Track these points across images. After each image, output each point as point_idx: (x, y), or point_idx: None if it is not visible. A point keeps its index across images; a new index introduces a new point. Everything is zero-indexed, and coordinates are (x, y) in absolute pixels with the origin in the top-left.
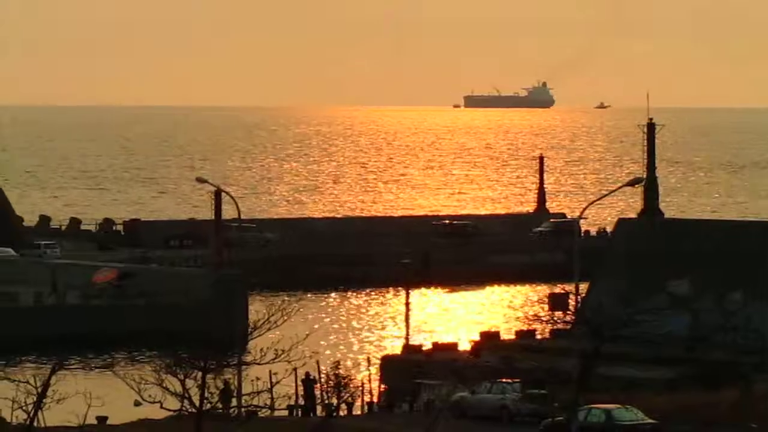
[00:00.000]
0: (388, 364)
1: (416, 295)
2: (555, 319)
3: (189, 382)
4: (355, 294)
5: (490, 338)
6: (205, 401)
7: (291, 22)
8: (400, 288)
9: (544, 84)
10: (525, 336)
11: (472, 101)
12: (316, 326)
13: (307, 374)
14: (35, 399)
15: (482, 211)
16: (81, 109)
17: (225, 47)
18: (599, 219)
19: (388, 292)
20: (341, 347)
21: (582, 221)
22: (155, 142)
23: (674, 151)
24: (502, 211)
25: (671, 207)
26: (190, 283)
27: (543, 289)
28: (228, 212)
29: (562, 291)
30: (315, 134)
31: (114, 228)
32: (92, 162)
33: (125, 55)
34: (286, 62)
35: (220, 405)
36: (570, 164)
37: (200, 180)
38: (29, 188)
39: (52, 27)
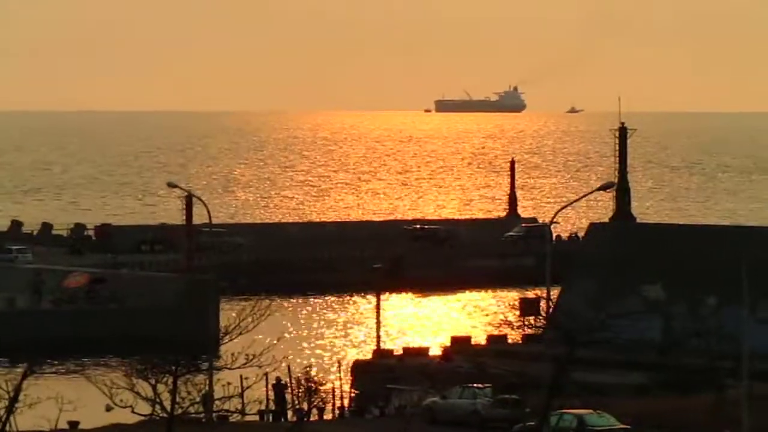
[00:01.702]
0: (359, 369)
1: (387, 299)
2: (526, 323)
3: (160, 387)
4: (326, 298)
5: (461, 343)
6: (176, 406)
7: (266, 29)
8: (371, 292)
9: (516, 88)
10: (496, 341)
11: (443, 105)
12: (287, 331)
13: (278, 379)
14: (7, 403)
15: (454, 216)
16: (60, 114)
17: (204, 53)
18: (571, 223)
19: (359, 296)
20: (312, 352)
21: (554, 226)
22: (132, 146)
23: (650, 155)
24: (474, 216)
25: (647, 211)
26: (161, 287)
27: (514, 294)
28: (200, 217)
29: (534, 296)
30: (286, 139)
31: (85, 233)
32: (68, 167)
33: (112, 59)
34: (262, 68)
35: (197, 410)
36: (542, 168)
37: (171, 185)
38: (2, 193)
39: (35, 32)
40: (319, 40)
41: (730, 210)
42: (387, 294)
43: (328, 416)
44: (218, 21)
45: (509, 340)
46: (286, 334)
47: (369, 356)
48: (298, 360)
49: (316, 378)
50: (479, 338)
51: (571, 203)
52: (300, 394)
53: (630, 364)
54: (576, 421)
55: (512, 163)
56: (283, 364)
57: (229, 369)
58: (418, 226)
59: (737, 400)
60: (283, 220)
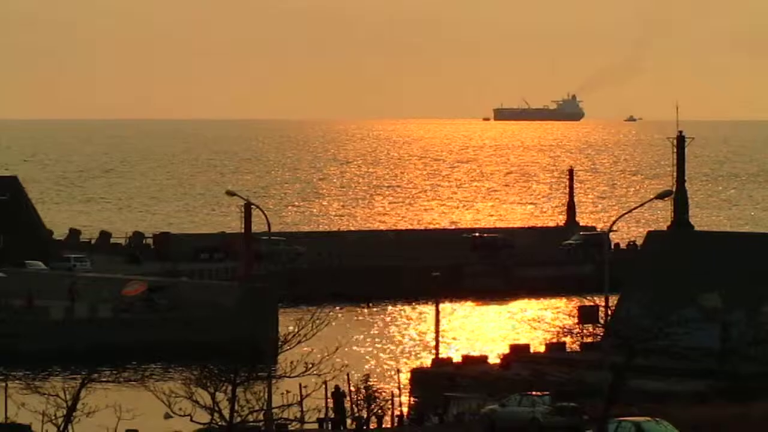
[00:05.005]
0: (418, 376)
1: (446, 307)
2: (585, 331)
3: (219, 395)
4: (385, 306)
5: (519, 351)
6: (235, 414)
7: (327, 40)
8: (430, 300)
9: (574, 97)
10: (555, 349)
11: (501, 114)
12: (345, 339)
13: (337, 387)
14: (65, 412)
15: (513, 224)
16: (119, 122)
17: (262, 63)
18: (629, 231)
19: (418, 304)
20: (371, 360)
21: (612, 234)
22: (189, 155)
23: (708, 163)
24: (533, 224)
25: (705, 219)
26: (219, 295)
27: (573, 302)
28: (258, 225)
29: (592, 303)
30: (346, 147)
31: (144, 241)
32: (128, 175)
33: (167, 70)
34: (320, 77)
35: (256, 418)
36: (600, 177)
37: (230, 193)
38: (60, 202)
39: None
40: (379, 49)
41: None
42: (446, 302)
43: (387, 424)
44: (274, 30)
45: (568, 348)
46: (345, 343)
47: (428, 364)
48: (357, 368)
49: (374, 386)
50: (538, 346)
51: (630, 211)
52: (359, 402)
53: (688, 372)
54: (634, 428)
55: (571, 171)
56: (342, 373)
57: (289, 377)
58: (476, 235)
59: None
60: (341, 229)
